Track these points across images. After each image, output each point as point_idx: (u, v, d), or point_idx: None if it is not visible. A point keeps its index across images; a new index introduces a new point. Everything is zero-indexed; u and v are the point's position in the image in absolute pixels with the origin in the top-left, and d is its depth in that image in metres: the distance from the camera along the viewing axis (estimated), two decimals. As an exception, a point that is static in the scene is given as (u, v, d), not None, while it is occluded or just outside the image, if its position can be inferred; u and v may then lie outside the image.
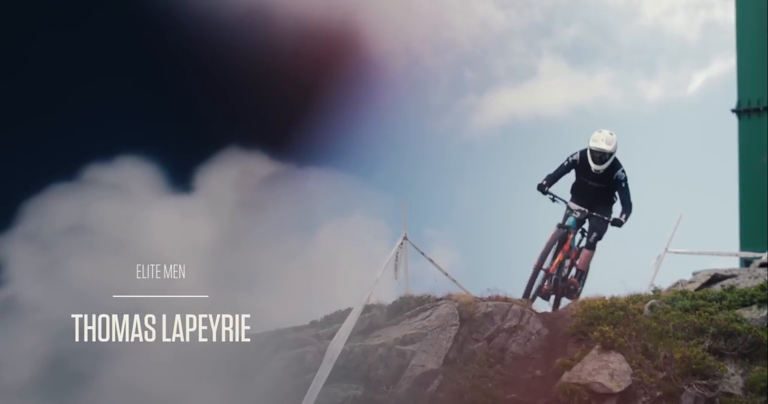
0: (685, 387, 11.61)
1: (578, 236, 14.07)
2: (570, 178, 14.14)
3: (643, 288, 14.06)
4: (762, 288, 12.93)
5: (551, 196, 13.88)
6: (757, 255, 17.47)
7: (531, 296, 13.64)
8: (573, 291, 13.99)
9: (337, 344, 11.65)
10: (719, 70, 22.38)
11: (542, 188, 13.81)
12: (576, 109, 13.22)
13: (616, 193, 13.90)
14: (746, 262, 18.57)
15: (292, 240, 14.09)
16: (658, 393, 11.60)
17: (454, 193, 17.06)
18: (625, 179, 13.79)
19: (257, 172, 14.29)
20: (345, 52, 15.01)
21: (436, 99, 17.54)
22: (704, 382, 11.64)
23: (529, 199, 13.84)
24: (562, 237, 13.83)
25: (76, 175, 13.72)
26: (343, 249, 14.64)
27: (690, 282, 14.65)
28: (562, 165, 13.97)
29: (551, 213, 13.95)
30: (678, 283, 14.74)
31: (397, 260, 13.71)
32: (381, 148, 15.08)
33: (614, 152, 13.70)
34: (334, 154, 14.72)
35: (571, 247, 13.95)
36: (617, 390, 11.60)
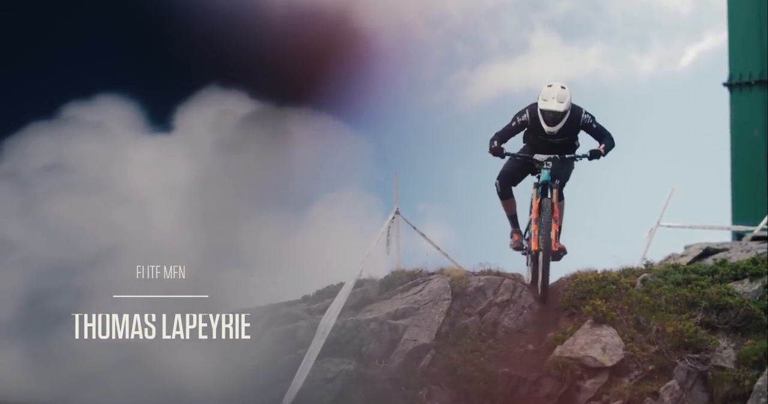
0: (677, 361, 11.64)
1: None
2: None
3: (635, 261, 13.99)
4: (754, 261, 12.94)
5: (511, 157, 12.65)
6: (749, 228, 17.49)
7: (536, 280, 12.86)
8: (562, 256, 12.87)
9: (329, 319, 11.65)
10: (711, 44, 22.30)
11: (499, 152, 12.52)
12: (569, 82, 13.02)
13: (578, 136, 12.58)
14: (738, 236, 18.60)
15: (283, 215, 14.03)
16: (651, 367, 11.63)
17: (447, 168, 16.98)
18: (593, 119, 12.43)
19: (237, 112, 14.14)
20: (335, 27, 14.92)
21: (428, 73, 17.43)
22: (696, 356, 11.67)
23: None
24: (547, 207, 12.50)
25: (56, 113, 13.56)
26: (335, 224, 14.59)
27: (682, 255, 14.65)
28: (510, 126, 12.58)
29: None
30: (670, 257, 14.73)
31: (389, 234, 13.66)
32: (373, 123, 15.01)
33: (568, 110, 12.31)
34: (324, 128, 14.65)
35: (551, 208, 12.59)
36: (609, 363, 11.62)
